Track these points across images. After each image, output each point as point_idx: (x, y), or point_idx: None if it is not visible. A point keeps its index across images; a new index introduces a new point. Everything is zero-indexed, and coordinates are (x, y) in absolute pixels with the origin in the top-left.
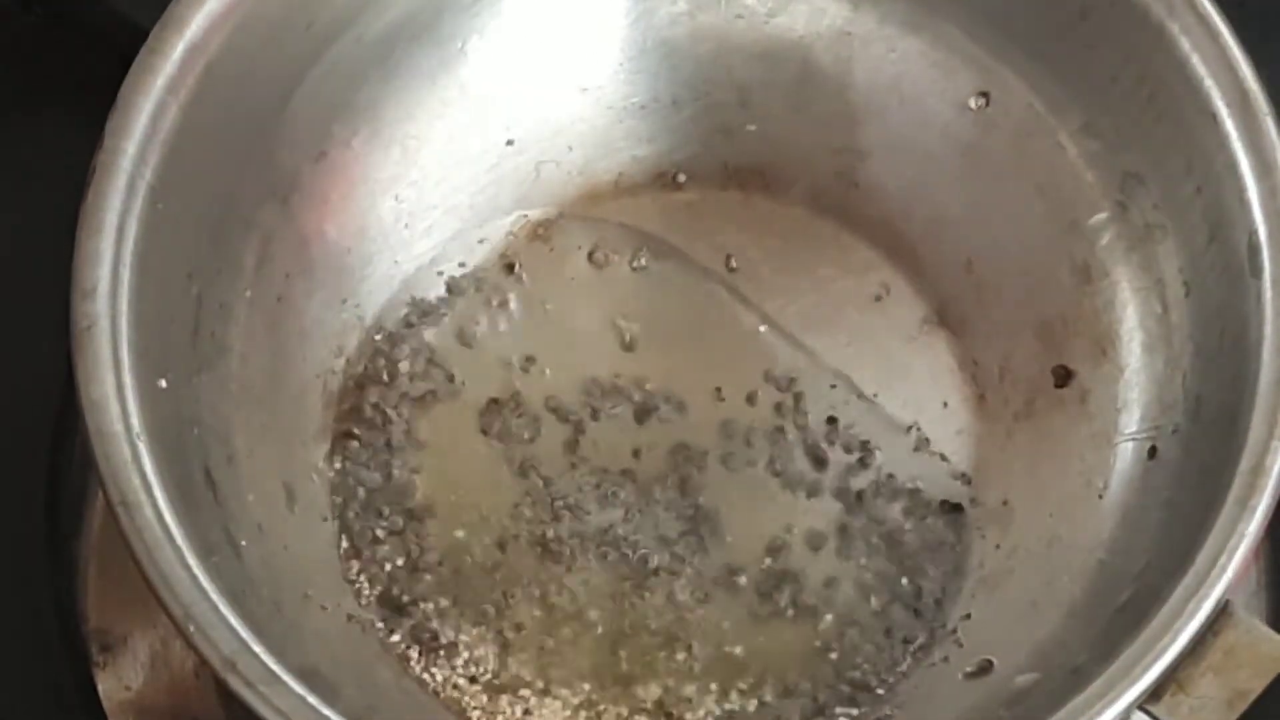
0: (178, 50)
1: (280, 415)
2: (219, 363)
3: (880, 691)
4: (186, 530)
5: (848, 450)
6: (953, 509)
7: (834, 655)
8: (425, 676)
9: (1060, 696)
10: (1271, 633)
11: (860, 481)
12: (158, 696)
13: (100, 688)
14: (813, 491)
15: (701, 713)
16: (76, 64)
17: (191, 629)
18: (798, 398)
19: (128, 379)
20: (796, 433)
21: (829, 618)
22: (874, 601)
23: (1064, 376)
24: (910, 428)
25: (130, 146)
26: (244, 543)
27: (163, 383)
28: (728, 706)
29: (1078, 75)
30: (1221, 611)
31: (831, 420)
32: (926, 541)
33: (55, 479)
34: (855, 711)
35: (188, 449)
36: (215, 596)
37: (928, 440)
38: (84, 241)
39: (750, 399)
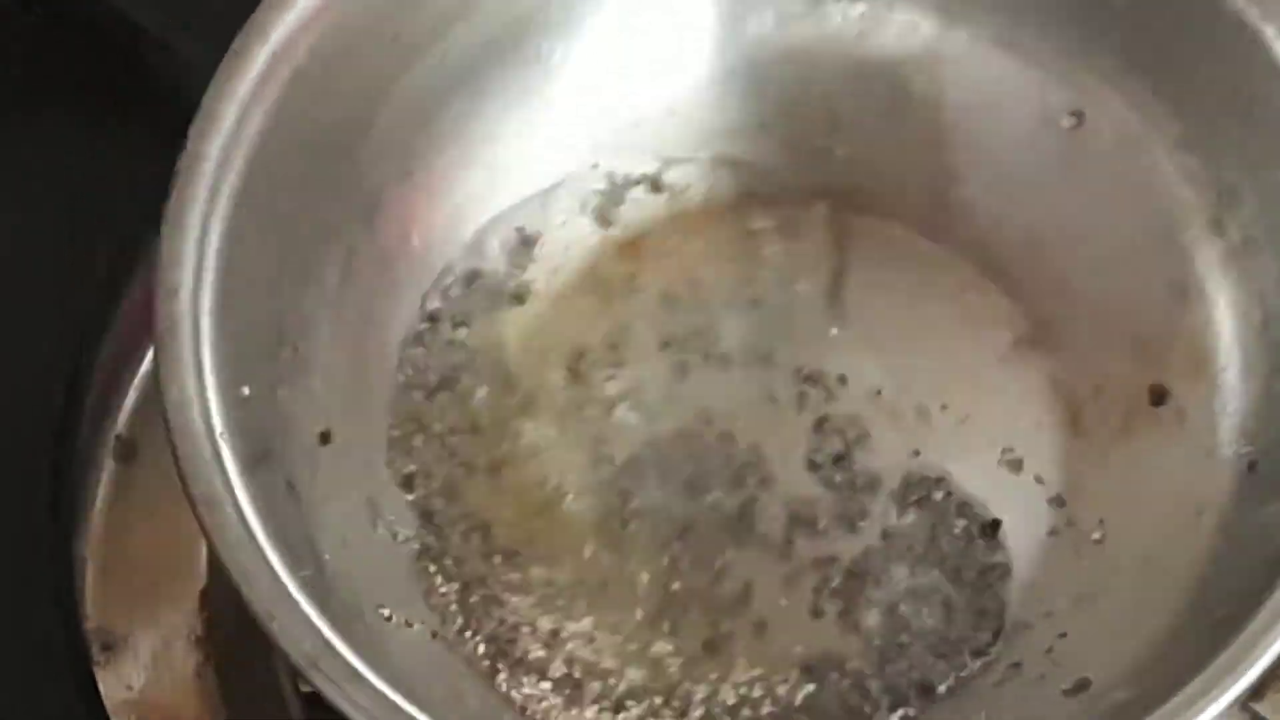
0: (261, 57)
1: (363, 431)
2: (301, 377)
3: (941, 690)
4: (269, 532)
5: (931, 474)
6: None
7: (890, 656)
8: (512, 694)
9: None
10: None
11: (941, 501)
12: (159, 696)
13: (101, 687)
14: (890, 508)
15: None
16: (76, 64)
17: (275, 626)
18: (882, 414)
19: (209, 380)
20: (873, 451)
21: (891, 619)
22: (936, 612)
23: (1161, 395)
24: (1004, 450)
25: (214, 151)
26: (327, 556)
27: (245, 390)
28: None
29: (1173, 88)
30: None
31: (916, 449)
32: (992, 561)
33: (57, 478)
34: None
35: (271, 459)
36: (298, 595)
37: (1020, 462)
38: (168, 241)
39: (826, 417)
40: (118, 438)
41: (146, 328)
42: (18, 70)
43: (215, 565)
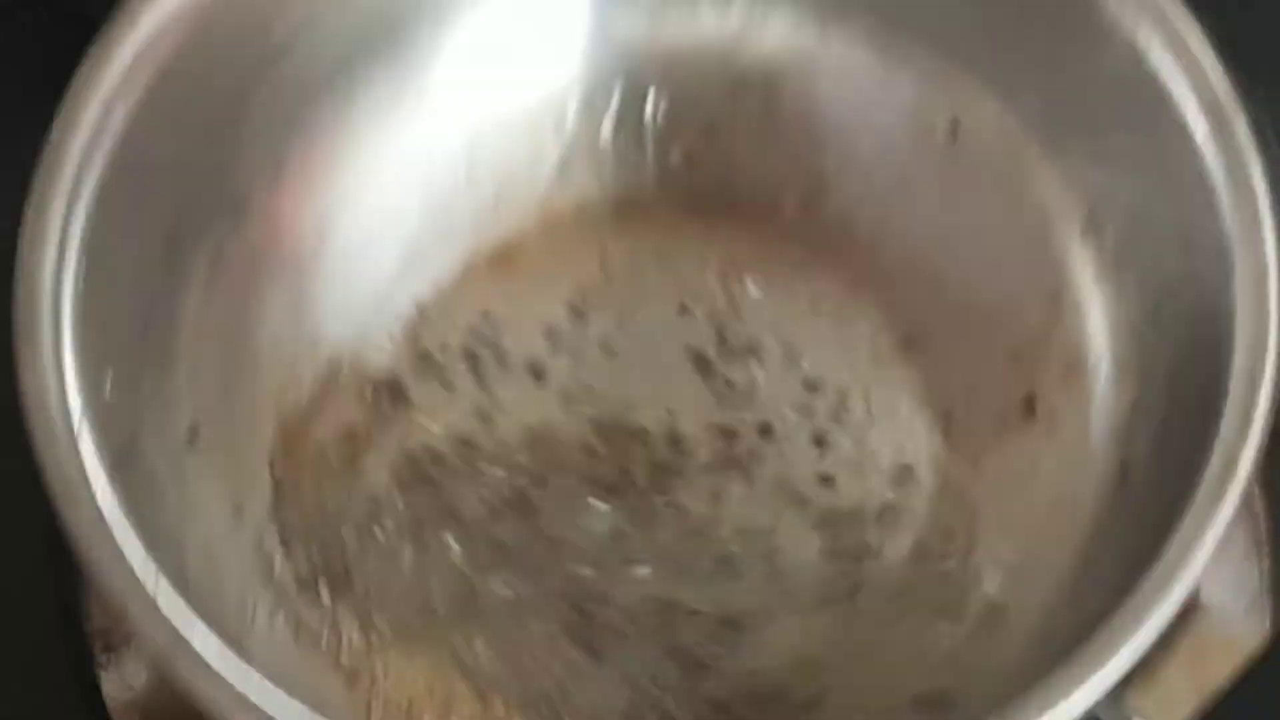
0: (128, 51)
1: (230, 433)
2: (167, 374)
3: None
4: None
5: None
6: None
7: None
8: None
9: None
10: (1243, 622)
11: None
12: (161, 697)
13: (104, 688)
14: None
15: None
16: (76, 63)
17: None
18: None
19: (70, 372)
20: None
21: None
22: None
23: (1033, 402)
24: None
25: (75, 147)
26: (189, 555)
27: (107, 387)
28: None
29: (1049, 94)
30: (1192, 602)
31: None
32: None
33: None
34: None
35: (135, 457)
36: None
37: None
38: (30, 231)
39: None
40: None
41: None
42: (18, 69)
43: None
